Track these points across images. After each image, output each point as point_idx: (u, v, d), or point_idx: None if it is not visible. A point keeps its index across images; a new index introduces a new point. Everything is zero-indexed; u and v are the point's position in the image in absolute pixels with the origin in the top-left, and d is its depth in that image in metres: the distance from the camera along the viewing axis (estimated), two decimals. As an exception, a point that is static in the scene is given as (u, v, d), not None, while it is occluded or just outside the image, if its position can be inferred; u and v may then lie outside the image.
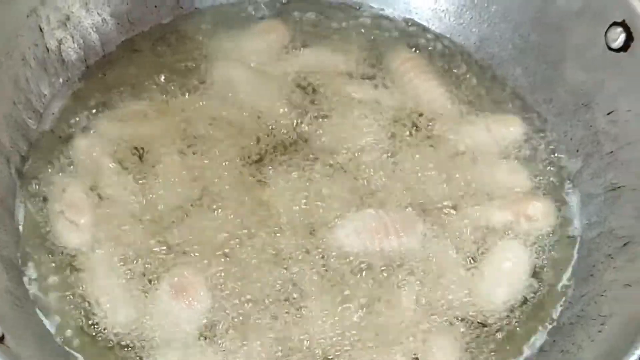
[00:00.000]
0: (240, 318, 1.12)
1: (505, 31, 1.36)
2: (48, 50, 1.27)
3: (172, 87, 1.31)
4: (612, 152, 1.22)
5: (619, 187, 1.20)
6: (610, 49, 1.21)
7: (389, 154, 1.26)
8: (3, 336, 0.97)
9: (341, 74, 1.34)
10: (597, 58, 1.23)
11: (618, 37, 1.19)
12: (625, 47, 1.19)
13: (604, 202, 1.22)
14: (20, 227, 1.18)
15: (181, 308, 1.11)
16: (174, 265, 1.15)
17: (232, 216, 1.19)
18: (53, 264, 1.15)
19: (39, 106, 1.26)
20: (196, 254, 1.16)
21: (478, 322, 1.15)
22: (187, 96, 1.30)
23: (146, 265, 1.15)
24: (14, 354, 0.96)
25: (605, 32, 1.21)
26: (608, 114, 1.23)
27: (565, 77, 1.29)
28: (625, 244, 1.15)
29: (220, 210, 1.20)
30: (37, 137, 1.25)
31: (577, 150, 1.27)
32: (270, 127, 1.28)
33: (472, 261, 1.19)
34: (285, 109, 1.30)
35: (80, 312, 1.12)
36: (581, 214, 1.25)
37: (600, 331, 1.09)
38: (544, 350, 1.14)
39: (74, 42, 1.30)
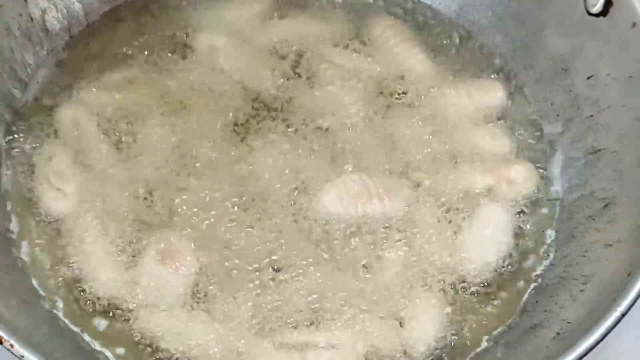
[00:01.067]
0: (227, 282, 1.13)
1: (485, -2, 1.38)
2: (32, 20, 1.27)
3: (156, 57, 1.32)
4: (591, 115, 1.24)
5: (598, 150, 1.22)
6: (589, 14, 1.22)
7: (372, 120, 1.27)
8: (-10, 300, 0.98)
9: (323, 42, 1.35)
10: (576, 23, 1.24)
11: (597, 2, 1.20)
12: (604, 12, 1.20)
13: (584, 165, 1.24)
14: (8, 196, 1.19)
15: (168, 273, 1.13)
16: (160, 232, 1.16)
17: (216, 183, 1.21)
18: (40, 231, 1.17)
19: (23, 76, 1.26)
20: (182, 221, 1.17)
21: (461, 285, 1.16)
22: (170, 65, 1.31)
23: (132, 232, 1.16)
24: (6, 320, 0.97)
25: (585, -3, 1.22)
26: (588, 78, 1.24)
27: (545, 43, 1.30)
28: (605, 206, 1.16)
29: (205, 177, 1.21)
30: (23, 106, 1.25)
31: (558, 115, 1.29)
32: (254, 95, 1.29)
33: (454, 225, 1.20)
34: (268, 77, 1.31)
35: (68, 278, 1.14)
36: (562, 177, 1.26)
37: (582, 290, 1.10)
38: (527, 310, 1.16)
39: (57, 12, 1.30)
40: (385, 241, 1.18)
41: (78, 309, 1.12)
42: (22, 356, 0.93)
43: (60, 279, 1.14)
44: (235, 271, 1.14)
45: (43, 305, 1.12)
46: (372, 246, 1.17)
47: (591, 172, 1.22)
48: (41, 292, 1.13)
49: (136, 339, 1.10)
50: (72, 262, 1.14)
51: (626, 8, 1.17)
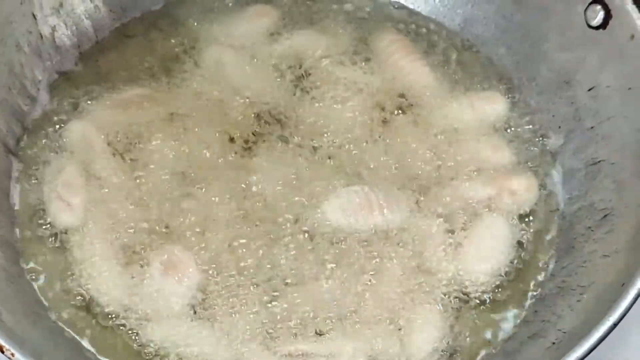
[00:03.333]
0: (228, 293, 1.15)
1: (488, 12, 1.38)
2: (42, 36, 1.29)
3: (164, 72, 1.34)
4: (592, 127, 1.25)
5: (599, 162, 1.23)
6: (589, 26, 1.23)
7: (374, 133, 1.29)
8: (-1, 311, 1.00)
9: (329, 56, 1.36)
10: (577, 36, 1.25)
11: (597, 15, 1.21)
12: (604, 25, 1.21)
13: (584, 176, 1.25)
14: (16, 208, 1.21)
15: (171, 284, 1.14)
16: (164, 244, 1.18)
17: (220, 197, 1.22)
18: (47, 242, 1.19)
19: (33, 91, 1.29)
20: (186, 233, 1.19)
21: (462, 295, 1.17)
22: (178, 80, 1.33)
23: (137, 244, 1.18)
24: (9, 329, 0.99)
25: (585, 11, 1.23)
26: (589, 90, 1.25)
27: (547, 56, 1.31)
28: (604, 216, 1.17)
29: (209, 190, 1.23)
30: (32, 121, 1.27)
31: (560, 127, 1.30)
32: (259, 109, 1.30)
33: (455, 235, 1.21)
34: (274, 92, 1.32)
35: (73, 289, 1.15)
36: (563, 189, 1.27)
37: (579, 301, 1.11)
38: (526, 320, 1.17)
39: (67, 29, 1.33)
40: (385, 251, 1.19)
41: (83, 318, 1.14)
42: (23, 364, 0.95)
43: (65, 289, 1.16)
44: (237, 282, 1.16)
45: (49, 315, 1.14)
46: (373, 257, 1.19)
47: (591, 184, 1.23)
48: (46, 303, 1.15)
49: (139, 348, 1.12)
50: (78, 273, 1.16)
51: (625, 21, 1.18)
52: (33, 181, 1.23)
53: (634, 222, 1.12)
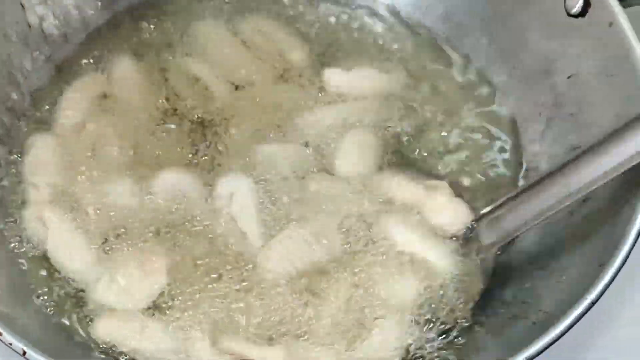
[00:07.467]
0: (188, 298, 1.16)
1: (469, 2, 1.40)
2: (30, 26, 1.30)
3: (151, 60, 1.35)
4: (572, 114, 1.27)
5: (579, 148, 1.23)
6: (569, 15, 1.25)
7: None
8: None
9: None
10: (557, 24, 1.27)
11: (576, 4, 1.23)
12: (583, 13, 1.23)
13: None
14: (4, 195, 1.22)
15: (139, 276, 1.15)
16: (136, 236, 1.19)
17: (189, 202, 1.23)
18: (26, 226, 1.20)
19: (22, 81, 1.29)
20: (155, 229, 1.21)
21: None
22: (165, 68, 1.34)
23: (108, 232, 1.19)
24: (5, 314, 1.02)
25: (565, -1, 1.25)
26: (568, 77, 1.27)
27: (528, 44, 1.33)
28: (584, 201, 1.19)
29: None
30: (21, 110, 1.28)
31: (540, 114, 1.32)
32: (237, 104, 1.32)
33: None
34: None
35: (45, 274, 1.17)
36: (544, 174, 1.29)
37: (558, 282, 1.13)
38: (507, 303, 1.19)
39: (55, 19, 1.33)
40: (332, 279, 1.19)
41: (50, 303, 1.16)
42: (11, 343, 0.96)
43: (43, 274, 1.17)
44: (198, 292, 1.16)
45: (35, 299, 1.15)
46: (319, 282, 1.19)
47: (571, 169, 1.25)
48: (32, 286, 1.16)
49: (97, 339, 1.13)
50: (48, 255, 1.18)
51: (603, 8, 1.20)
52: (18, 167, 1.24)
53: (612, 206, 1.14)
